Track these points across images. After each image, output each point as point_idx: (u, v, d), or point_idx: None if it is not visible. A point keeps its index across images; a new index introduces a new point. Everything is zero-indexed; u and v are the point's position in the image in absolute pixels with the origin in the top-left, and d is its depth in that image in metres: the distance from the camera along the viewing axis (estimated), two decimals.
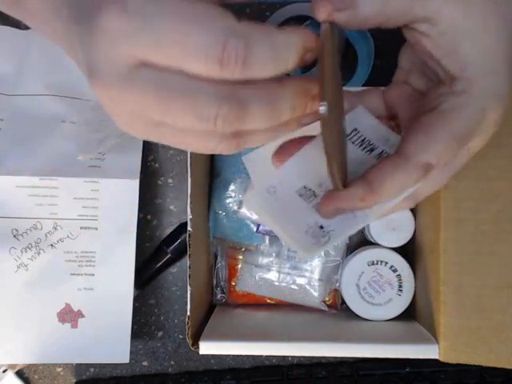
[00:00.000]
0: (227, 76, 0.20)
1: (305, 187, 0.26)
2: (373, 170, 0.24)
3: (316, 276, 0.46)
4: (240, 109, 0.21)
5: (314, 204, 0.25)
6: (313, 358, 0.49)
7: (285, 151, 0.27)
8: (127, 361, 0.46)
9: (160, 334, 0.50)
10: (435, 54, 0.24)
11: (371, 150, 0.26)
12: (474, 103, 0.24)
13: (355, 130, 0.27)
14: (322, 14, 0.23)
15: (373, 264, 0.44)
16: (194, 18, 0.20)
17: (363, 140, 0.27)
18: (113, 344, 0.46)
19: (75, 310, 0.47)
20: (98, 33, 0.20)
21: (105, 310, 0.47)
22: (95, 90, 0.21)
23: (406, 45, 0.30)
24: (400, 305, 0.44)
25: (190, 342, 0.37)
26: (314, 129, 0.25)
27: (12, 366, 0.49)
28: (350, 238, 0.47)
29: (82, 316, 0.47)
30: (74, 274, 0.48)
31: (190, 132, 0.22)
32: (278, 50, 0.21)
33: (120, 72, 0.20)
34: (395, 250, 0.45)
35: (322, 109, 0.21)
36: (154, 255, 0.49)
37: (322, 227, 0.25)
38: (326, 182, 0.25)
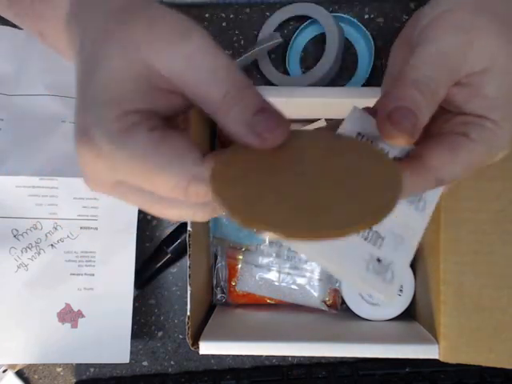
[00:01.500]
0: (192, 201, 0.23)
1: None
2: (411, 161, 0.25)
3: (316, 276, 0.46)
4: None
5: (362, 235, 0.24)
6: (313, 358, 0.49)
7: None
8: (127, 361, 0.46)
9: (160, 334, 0.50)
10: (461, 96, 0.26)
11: None
12: (499, 142, 0.26)
13: (359, 134, 0.27)
14: (400, 142, 0.24)
15: None
16: (156, 164, 0.22)
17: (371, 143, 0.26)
18: (113, 344, 0.46)
19: (75, 309, 0.48)
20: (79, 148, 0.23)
21: (105, 310, 0.47)
22: (80, 144, 0.23)
23: (397, 50, 0.30)
24: (400, 305, 0.44)
25: (189, 342, 0.37)
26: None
27: (12, 366, 0.49)
28: None
29: (82, 316, 0.47)
30: (74, 274, 0.48)
31: (169, 202, 0.24)
32: None
33: (112, 134, 0.23)
34: None
35: None
36: (154, 255, 0.49)
37: (379, 260, 0.24)
38: None
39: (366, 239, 0.24)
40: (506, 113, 0.26)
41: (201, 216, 0.25)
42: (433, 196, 0.26)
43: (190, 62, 0.23)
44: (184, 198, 0.23)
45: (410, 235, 0.25)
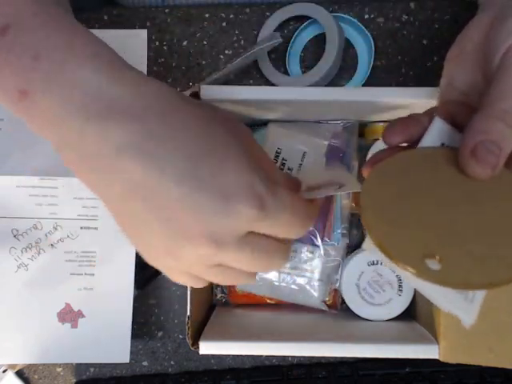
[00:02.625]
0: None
1: None
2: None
3: (316, 276, 0.46)
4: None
5: None
6: (313, 358, 0.49)
7: (375, 159, 0.29)
8: (127, 361, 0.46)
9: (160, 334, 0.50)
10: None
11: None
12: None
13: (442, 144, 0.27)
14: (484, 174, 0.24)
15: (373, 264, 0.44)
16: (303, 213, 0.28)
17: None
18: (113, 344, 0.46)
19: (75, 309, 0.48)
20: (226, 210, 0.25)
21: (105, 310, 0.47)
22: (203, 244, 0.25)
23: (454, 61, 0.30)
24: (400, 305, 0.44)
25: (189, 342, 0.37)
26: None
27: (12, 366, 0.49)
28: (350, 237, 0.47)
29: (82, 316, 0.47)
30: (74, 274, 0.48)
31: None
32: None
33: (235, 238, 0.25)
34: None
35: None
36: None
37: None
38: None
39: None
40: None
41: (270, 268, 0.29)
42: None
43: None
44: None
45: None
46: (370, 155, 0.45)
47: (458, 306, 0.23)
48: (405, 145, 0.29)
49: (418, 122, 0.28)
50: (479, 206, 0.23)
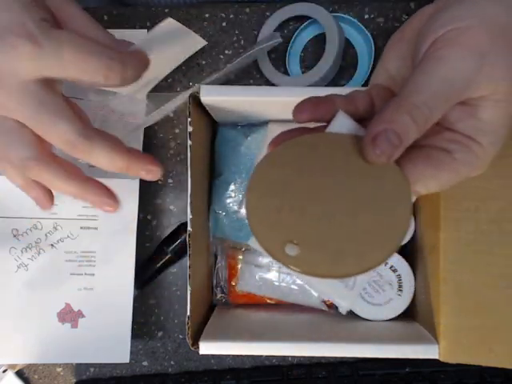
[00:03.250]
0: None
1: None
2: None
3: None
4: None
5: None
6: (313, 358, 0.49)
7: (279, 139, 0.28)
8: (127, 361, 0.46)
9: (160, 334, 0.50)
10: (455, 114, 0.27)
11: None
12: (479, 165, 0.27)
13: None
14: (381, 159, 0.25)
15: None
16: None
17: None
18: (113, 344, 0.46)
19: (75, 309, 0.48)
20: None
21: (105, 310, 0.47)
22: None
23: (398, 44, 0.31)
24: (400, 305, 0.44)
25: (189, 342, 0.37)
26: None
27: (12, 366, 0.49)
28: None
29: (83, 316, 0.47)
30: (74, 274, 0.48)
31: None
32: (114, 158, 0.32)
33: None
34: None
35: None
36: (154, 255, 0.49)
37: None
38: None
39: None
40: (494, 139, 0.26)
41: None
42: None
43: None
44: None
45: None
46: None
47: (338, 294, 0.24)
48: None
49: (330, 103, 0.28)
50: (357, 200, 0.23)
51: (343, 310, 0.26)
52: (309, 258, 0.21)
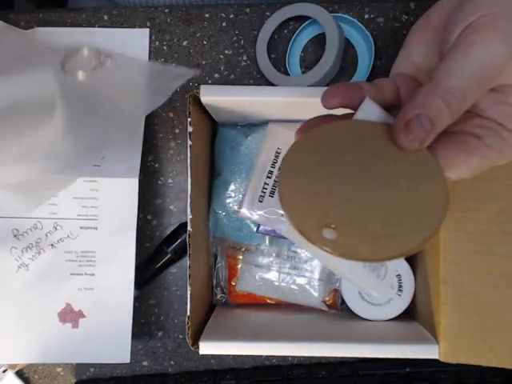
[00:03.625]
0: None
1: None
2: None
3: (316, 276, 0.46)
4: None
5: None
6: (313, 358, 0.48)
7: (307, 126, 0.28)
8: (128, 361, 0.46)
9: (160, 334, 0.50)
10: (485, 100, 0.26)
11: None
12: (510, 151, 0.26)
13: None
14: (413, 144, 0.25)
15: None
16: None
17: None
18: (113, 344, 0.46)
19: (76, 309, 0.48)
20: None
21: (105, 310, 0.47)
22: None
23: (417, 34, 0.30)
24: (400, 305, 0.44)
25: (189, 342, 0.37)
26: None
27: (12, 366, 0.49)
28: None
29: (83, 316, 0.47)
30: (74, 274, 0.48)
31: None
32: None
33: None
34: None
35: None
36: (154, 255, 0.49)
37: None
38: None
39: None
40: None
41: None
42: None
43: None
44: None
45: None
46: None
47: (370, 284, 0.24)
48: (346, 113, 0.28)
49: (358, 90, 0.27)
50: (391, 184, 0.23)
51: (376, 299, 0.26)
52: (347, 242, 0.21)
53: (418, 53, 0.30)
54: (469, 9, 0.26)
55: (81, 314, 0.47)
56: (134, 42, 0.49)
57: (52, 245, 0.48)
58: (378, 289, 0.24)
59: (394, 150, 0.24)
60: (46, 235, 0.48)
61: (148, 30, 0.49)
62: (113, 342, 0.46)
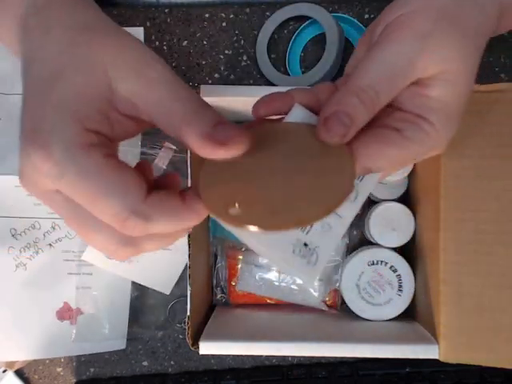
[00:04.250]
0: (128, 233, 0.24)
1: None
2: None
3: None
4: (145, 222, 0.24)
5: None
6: (313, 357, 0.49)
7: (246, 127, 0.29)
8: (123, 346, 0.48)
9: (160, 334, 0.50)
10: (404, 93, 0.27)
11: None
12: (431, 144, 0.27)
13: None
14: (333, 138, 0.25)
15: (373, 264, 0.44)
16: (105, 189, 0.23)
17: None
18: (111, 335, 0.48)
19: (74, 308, 0.48)
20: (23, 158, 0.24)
21: (103, 307, 0.48)
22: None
23: (363, 37, 0.31)
24: (400, 305, 0.44)
25: (189, 342, 0.37)
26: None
27: (10, 366, 0.49)
28: (350, 237, 0.47)
29: (81, 313, 0.48)
30: (71, 274, 0.48)
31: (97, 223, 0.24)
32: (176, 226, 0.25)
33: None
34: (395, 250, 0.45)
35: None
36: None
37: (306, 244, 0.25)
38: None
39: None
40: (444, 117, 0.27)
41: (122, 254, 0.25)
42: (365, 187, 0.27)
43: (154, 86, 0.24)
44: (119, 228, 0.23)
45: (338, 224, 0.26)
46: None
47: (301, 270, 0.25)
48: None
49: (288, 97, 0.29)
50: (301, 173, 0.25)
51: (308, 284, 0.27)
52: (248, 215, 0.23)
53: (361, 54, 0.31)
54: (391, 9, 0.28)
55: (79, 312, 0.48)
56: None
57: (50, 244, 0.48)
58: (306, 274, 0.25)
59: (314, 146, 0.26)
60: (44, 235, 0.48)
61: (142, 28, 0.49)
62: (110, 333, 0.48)
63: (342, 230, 0.26)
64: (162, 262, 0.48)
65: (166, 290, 0.49)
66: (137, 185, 0.23)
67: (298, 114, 0.28)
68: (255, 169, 0.25)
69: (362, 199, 0.27)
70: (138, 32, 0.49)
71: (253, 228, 0.23)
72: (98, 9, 0.28)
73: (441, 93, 0.27)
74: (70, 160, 0.22)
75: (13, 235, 0.48)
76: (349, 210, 0.26)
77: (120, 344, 0.48)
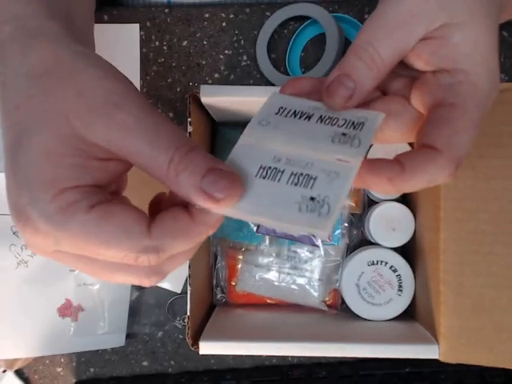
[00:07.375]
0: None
1: (262, 167, 0.24)
2: (405, 154, 0.24)
3: (316, 276, 0.46)
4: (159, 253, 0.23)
5: (285, 181, 0.24)
6: (313, 358, 0.48)
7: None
8: (123, 343, 0.48)
9: (160, 334, 0.50)
10: (428, 49, 0.26)
11: (309, 118, 0.26)
12: (480, 88, 0.25)
13: (281, 107, 0.27)
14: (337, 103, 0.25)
15: (373, 264, 0.44)
16: (102, 239, 0.22)
17: (295, 111, 0.27)
18: (111, 331, 0.48)
19: (75, 304, 0.48)
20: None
21: (104, 303, 0.48)
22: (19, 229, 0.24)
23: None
24: (400, 305, 0.44)
25: (189, 342, 0.37)
26: None
27: (10, 365, 0.49)
28: (350, 238, 0.47)
29: (82, 310, 0.48)
30: (73, 270, 0.48)
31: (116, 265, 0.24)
32: (190, 244, 0.24)
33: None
34: (395, 250, 0.45)
35: None
36: None
37: (312, 198, 0.23)
38: (278, 153, 0.25)
39: (296, 184, 0.23)
40: (475, 61, 0.25)
41: (148, 282, 0.25)
42: (368, 131, 0.25)
43: (128, 133, 0.22)
44: (135, 264, 0.23)
45: (345, 169, 0.24)
46: (369, 156, 0.45)
47: (312, 225, 0.22)
48: None
49: (310, 79, 0.28)
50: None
51: (322, 237, 0.25)
52: None
53: None
54: None
55: (80, 309, 0.48)
56: (124, 37, 0.49)
57: None
58: (320, 227, 0.22)
59: None
60: None
61: (138, 25, 0.49)
62: (110, 329, 0.48)
63: (352, 173, 0.24)
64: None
65: (177, 288, 0.49)
66: (135, 222, 0.22)
67: (277, 98, 0.28)
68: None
69: (365, 144, 0.25)
70: (134, 29, 0.49)
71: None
72: (57, 31, 0.25)
73: (461, 37, 0.25)
74: (55, 228, 0.22)
75: (14, 233, 0.48)
76: (354, 155, 0.24)
77: (119, 339, 0.48)
